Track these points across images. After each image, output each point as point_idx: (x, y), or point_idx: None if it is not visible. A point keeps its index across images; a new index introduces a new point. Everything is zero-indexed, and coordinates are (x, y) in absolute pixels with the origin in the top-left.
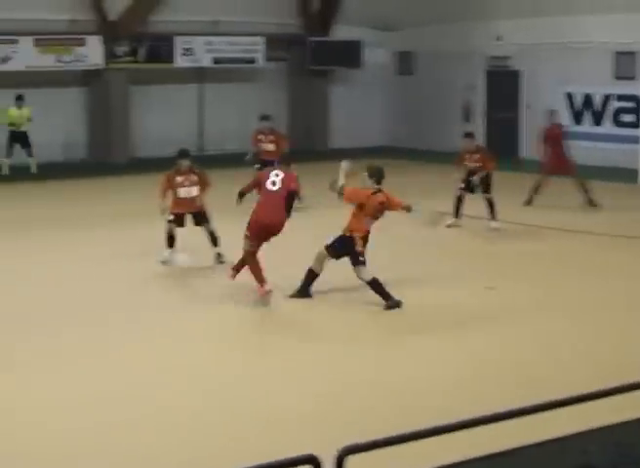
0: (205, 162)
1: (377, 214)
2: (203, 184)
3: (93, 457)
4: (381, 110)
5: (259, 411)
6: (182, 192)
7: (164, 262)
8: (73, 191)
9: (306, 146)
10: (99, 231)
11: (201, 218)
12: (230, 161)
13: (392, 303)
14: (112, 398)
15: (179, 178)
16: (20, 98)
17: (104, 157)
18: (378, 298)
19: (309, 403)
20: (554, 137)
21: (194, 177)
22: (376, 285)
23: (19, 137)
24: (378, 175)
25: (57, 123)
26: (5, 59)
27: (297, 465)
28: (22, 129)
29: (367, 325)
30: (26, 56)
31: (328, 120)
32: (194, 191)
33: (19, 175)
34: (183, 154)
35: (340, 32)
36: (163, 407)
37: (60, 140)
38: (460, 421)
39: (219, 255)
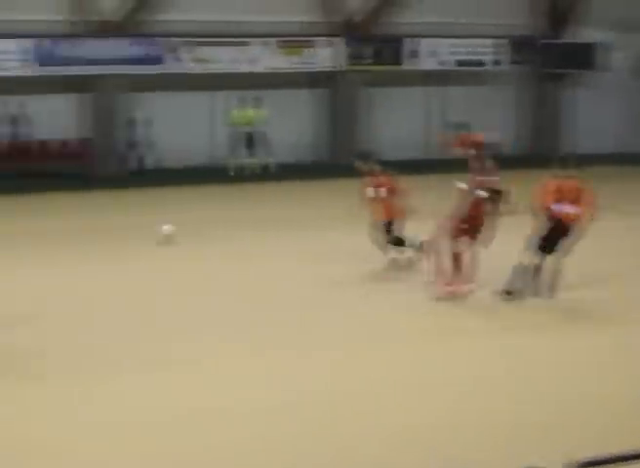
0: (430, 166)
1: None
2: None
3: None
4: (618, 115)
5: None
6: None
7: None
8: (304, 192)
9: (541, 150)
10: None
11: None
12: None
13: None
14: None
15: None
16: (257, 100)
17: (337, 159)
18: None
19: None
20: None
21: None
22: None
23: (252, 138)
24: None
25: (291, 124)
26: (247, 61)
27: None
28: (256, 129)
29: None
30: (267, 58)
31: (563, 124)
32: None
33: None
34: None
35: (578, 35)
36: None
37: (294, 141)
38: None
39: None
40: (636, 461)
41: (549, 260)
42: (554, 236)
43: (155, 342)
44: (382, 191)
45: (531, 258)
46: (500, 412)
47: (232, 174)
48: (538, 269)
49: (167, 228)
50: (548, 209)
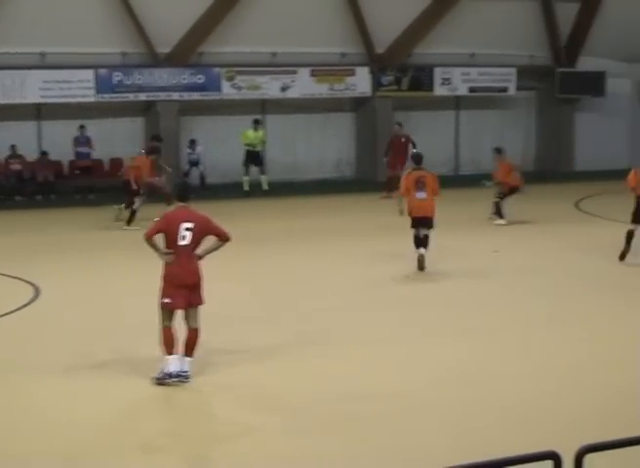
0: (458, 180)
1: None
2: None
3: None
4: (624, 136)
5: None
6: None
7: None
8: (343, 206)
9: (553, 168)
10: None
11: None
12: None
13: None
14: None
15: None
16: (257, 122)
17: (370, 175)
18: None
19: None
20: None
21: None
22: None
23: (254, 157)
24: None
25: (329, 144)
26: (285, 88)
27: (538, 460)
28: (257, 149)
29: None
30: (303, 85)
31: (573, 144)
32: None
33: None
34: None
35: (586, 63)
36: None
37: (332, 160)
38: None
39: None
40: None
41: None
42: None
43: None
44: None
45: None
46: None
47: (247, 189)
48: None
49: None
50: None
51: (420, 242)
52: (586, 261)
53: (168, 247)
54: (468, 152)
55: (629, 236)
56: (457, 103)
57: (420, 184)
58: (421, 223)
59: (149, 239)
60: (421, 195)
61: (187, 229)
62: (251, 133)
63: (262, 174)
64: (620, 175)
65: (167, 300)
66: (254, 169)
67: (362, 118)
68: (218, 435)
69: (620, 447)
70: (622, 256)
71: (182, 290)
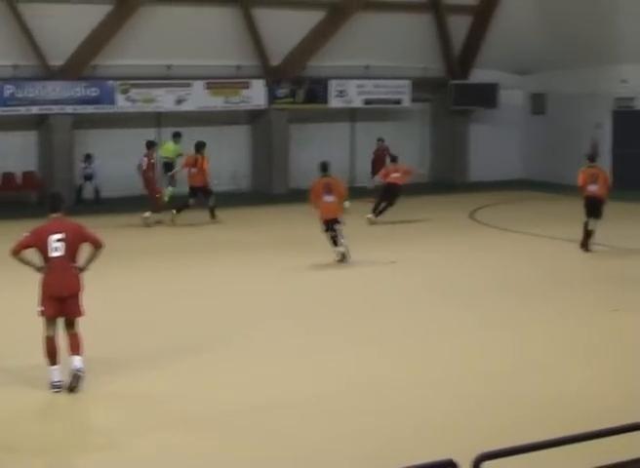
0: (355, 193)
1: None
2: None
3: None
4: (517, 147)
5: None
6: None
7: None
8: (239, 218)
9: (448, 179)
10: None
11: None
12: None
13: None
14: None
15: None
16: (177, 135)
17: (266, 188)
18: None
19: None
20: None
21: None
22: None
23: (169, 168)
24: None
25: (225, 157)
26: (180, 101)
27: None
28: (172, 161)
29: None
30: (199, 97)
31: (467, 155)
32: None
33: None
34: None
35: (479, 75)
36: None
37: (228, 172)
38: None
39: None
40: (536, 451)
41: None
42: None
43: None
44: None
45: None
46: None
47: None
48: None
49: None
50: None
51: (336, 240)
52: (483, 269)
53: (43, 260)
54: (364, 164)
55: (585, 227)
56: (352, 115)
57: (327, 189)
58: (331, 224)
59: (15, 255)
60: (329, 199)
61: (59, 240)
62: (171, 145)
63: (172, 186)
64: (513, 185)
65: (42, 309)
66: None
67: (257, 131)
68: (87, 444)
69: (518, 453)
70: (583, 245)
71: (56, 301)
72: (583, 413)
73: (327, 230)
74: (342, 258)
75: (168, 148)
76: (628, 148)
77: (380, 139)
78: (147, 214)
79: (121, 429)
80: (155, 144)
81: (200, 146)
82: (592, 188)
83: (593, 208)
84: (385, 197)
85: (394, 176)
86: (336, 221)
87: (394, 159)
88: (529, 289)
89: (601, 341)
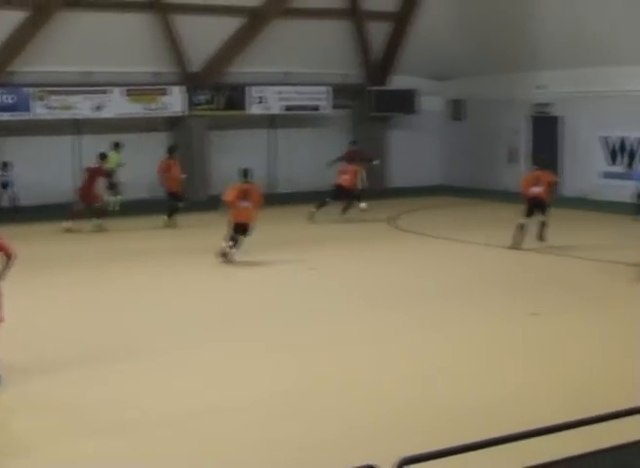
0: (276, 199)
1: None
2: None
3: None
4: (436, 152)
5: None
6: None
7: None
8: (156, 225)
9: (368, 186)
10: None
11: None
12: (301, 198)
13: None
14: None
15: None
16: (117, 145)
17: (186, 194)
18: None
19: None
20: None
21: None
22: None
23: (111, 178)
24: None
25: (144, 164)
26: (98, 108)
27: None
28: (113, 171)
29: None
30: (117, 104)
31: (387, 162)
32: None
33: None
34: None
35: (398, 82)
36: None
37: (147, 180)
38: (512, 434)
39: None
40: (460, 454)
41: None
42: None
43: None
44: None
45: None
46: (332, 414)
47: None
48: None
49: None
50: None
51: (235, 241)
52: (402, 275)
53: None
54: (285, 171)
55: (520, 228)
56: (272, 122)
57: (244, 195)
58: (240, 228)
59: None
60: (244, 204)
61: None
62: (115, 155)
63: (116, 195)
64: (433, 190)
65: None
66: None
67: (177, 137)
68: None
69: (440, 457)
70: (515, 245)
71: None
72: (507, 416)
73: (235, 233)
74: (224, 257)
75: (113, 158)
76: (546, 153)
77: (352, 142)
78: (69, 223)
79: (45, 436)
80: (107, 156)
81: (172, 150)
82: (535, 190)
83: (535, 208)
84: (335, 197)
85: (343, 178)
86: (245, 227)
87: (342, 158)
88: (450, 293)
89: (522, 344)
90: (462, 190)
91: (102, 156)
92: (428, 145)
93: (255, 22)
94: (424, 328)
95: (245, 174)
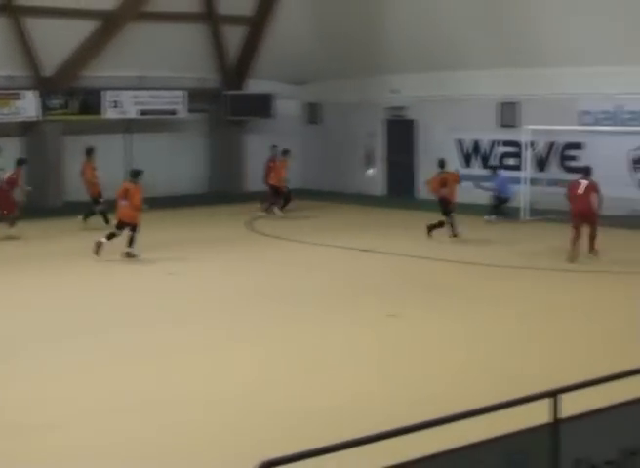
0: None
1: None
2: None
3: None
4: (293, 156)
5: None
6: None
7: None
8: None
9: (225, 189)
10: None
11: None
12: (160, 203)
13: None
14: None
15: None
16: None
17: (41, 200)
18: None
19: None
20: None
21: None
22: None
23: None
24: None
25: None
26: None
27: None
28: None
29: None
30: None
31: (244, 165)
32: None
33: None
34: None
35: (255, 86)
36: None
37: None
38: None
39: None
40: (317, 456)
41: None
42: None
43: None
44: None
45: None
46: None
47: None
48: None
49: None
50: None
51: (113, 236)
52: (257, 278)
53: None
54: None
55: (440, 224)
56: (127, 126)
57: (124, 194)
58: (121, 226)
59: None
60: (123, 203)
61: None
62: None
63: None
64: (292, 193)
65: None
66: None
67: (31, 143)
68: None
69: (300, 459)
70: (430, 230)
71: None
72: (361, 416)
73: (117, 229)
74: (97, 247)
75: None
76: (400, 156)
77: (275, 146)
78: None
79: None
80: (25, 161)
81: (20, 162)
82: (443, 192)
83: (444, 207)
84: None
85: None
86: (125, 224)
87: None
88: (307, 296)
89: (377, 345)
90: (320, 193)
91: (20, 161)
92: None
93: (109, 26)
94: (276, 331)
95: (133, 174)
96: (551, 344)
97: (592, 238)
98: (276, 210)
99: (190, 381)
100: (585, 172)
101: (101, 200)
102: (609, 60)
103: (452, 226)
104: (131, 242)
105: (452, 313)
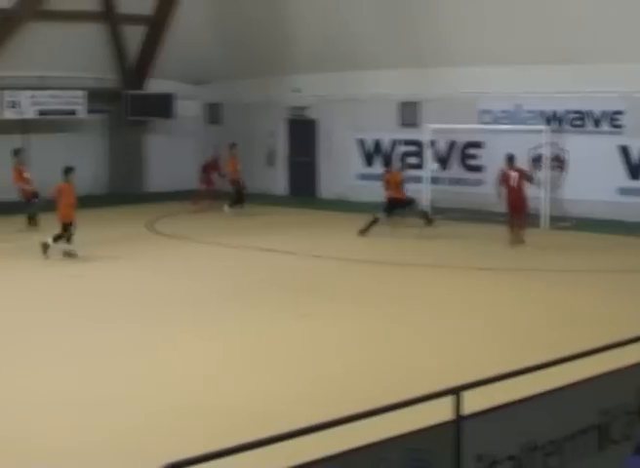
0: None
1: None
2: None
3: None
4: (193, 157)
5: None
6: None
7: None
8: None
9: (125, 190)
10: None
11: None
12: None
13: None
14: None
15: None
16: None
17: None
18: None
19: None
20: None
21: None
22: None
23: None
24: None
25: None
26: None
27: None
28: None
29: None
30: None
31: (145, 166)
32: None
33: None
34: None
35: (155, 86)
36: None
37: None
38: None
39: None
40: (220, 458)
41: None
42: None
43: None
44: None
45: None
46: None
47: None
48: None
49: None
50: None
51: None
52: (163, 282)
53: None
54: (40, 176)
55: (374, 221)
56: (25, 127)
57: (58, 194)
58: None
59: None
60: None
61: None
62: None
63: None
64: (191, 195)
65: None
66: None
67: None
68: None
69: (205, 460)
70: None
71: None
72: (264, 416)
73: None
74: (44, 248)
75: None
76: (301, 156)
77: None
78: None
79: None
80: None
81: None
82: (390, 193)
83: (394, 206)
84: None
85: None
86: (70, 224)
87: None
88: (215, 297)
89: (286, 345)
90: (223, 194)
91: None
92: (185, 150)
93: (6, 24)
94: (187, 333)
95: (65, 171)
96: (454, 341)
97: (521, 227)
98: (225, 207)
99: (97, 383)
100: (510, 160)
101: (36, 200)
102: (509, 60)
103: (370, 225)
104: (57, 238)
105: (353, 313)
